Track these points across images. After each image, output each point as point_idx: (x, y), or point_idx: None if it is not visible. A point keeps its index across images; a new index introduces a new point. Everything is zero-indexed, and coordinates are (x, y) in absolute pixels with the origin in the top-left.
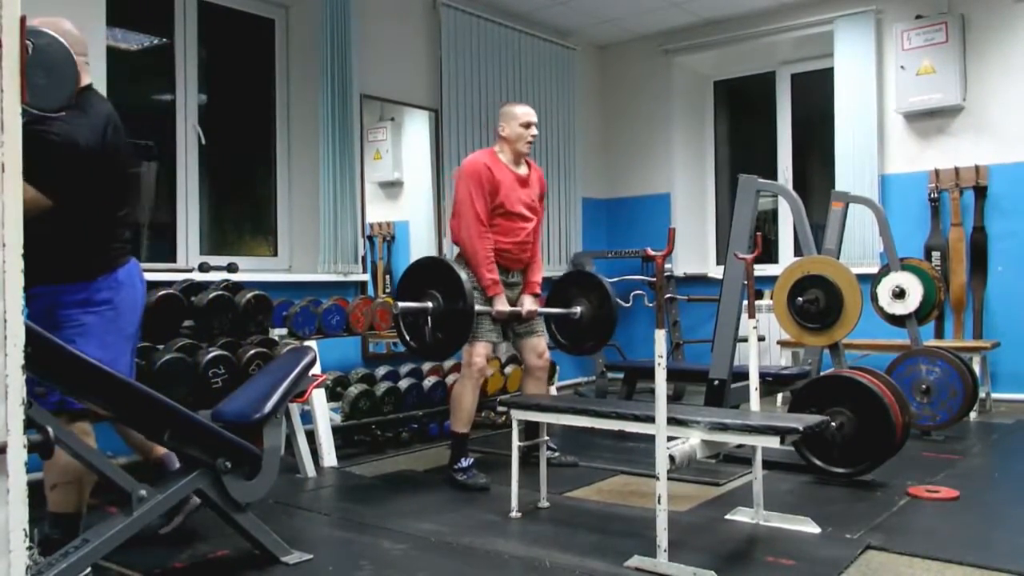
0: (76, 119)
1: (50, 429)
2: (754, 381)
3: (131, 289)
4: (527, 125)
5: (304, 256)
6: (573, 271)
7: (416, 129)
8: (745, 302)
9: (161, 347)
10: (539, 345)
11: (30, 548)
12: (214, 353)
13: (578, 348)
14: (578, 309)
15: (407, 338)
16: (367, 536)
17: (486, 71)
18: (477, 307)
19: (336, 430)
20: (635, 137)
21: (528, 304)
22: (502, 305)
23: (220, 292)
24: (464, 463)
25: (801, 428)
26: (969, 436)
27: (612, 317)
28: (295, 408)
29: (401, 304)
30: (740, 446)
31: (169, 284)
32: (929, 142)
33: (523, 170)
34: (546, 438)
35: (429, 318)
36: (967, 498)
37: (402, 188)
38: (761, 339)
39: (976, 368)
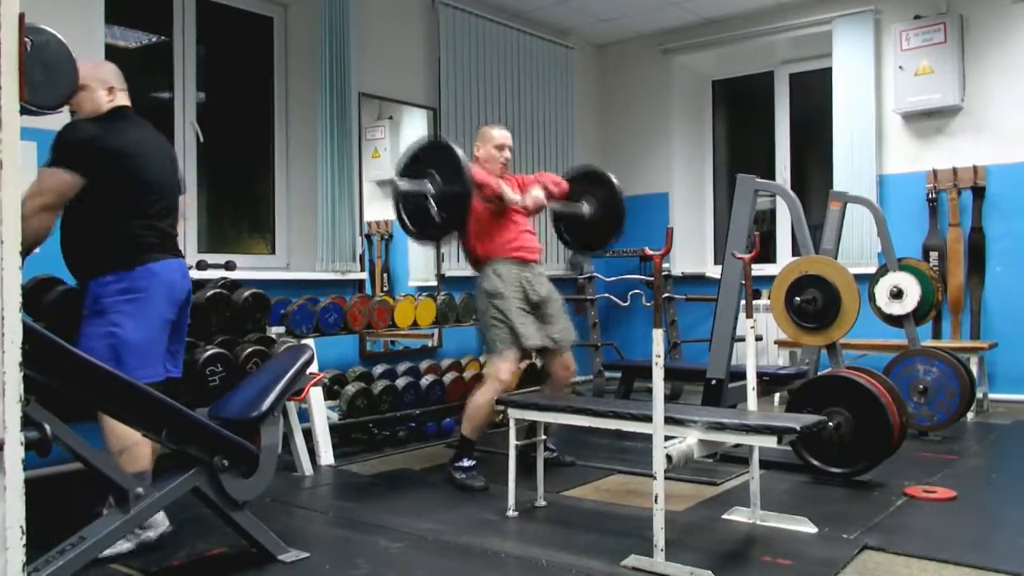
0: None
1: (47, 426)
2: (751, 381)
3: (166, 281)
4: (500, 148)
5: (302, 254)
6: (581, 169)
7: (414, 128)
8: (743, 302)
9: None
10: (568, 359)
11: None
12: (211, 351)
13: (588, 245)
14: (585, 205)
15: (405, 219)
16: (364, 534)
17: (485, 70)
18: (499, 313)
19: (333, 428)
20: (633, 136)
21: (534, 192)
22: (510, 192)
23: (218, 290)
24: (467, 463)
25: (798, 428)
26: (966, 436)
27: (620, 212)
28: (292, 406)
29: (400, 182)
30: (737, 446)
31: None
32: (927, 142)
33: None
34: (544, 437)
35: (431, 198)
36: (964, 498)
37: None
38: (759, 339)
39: (974, 368)
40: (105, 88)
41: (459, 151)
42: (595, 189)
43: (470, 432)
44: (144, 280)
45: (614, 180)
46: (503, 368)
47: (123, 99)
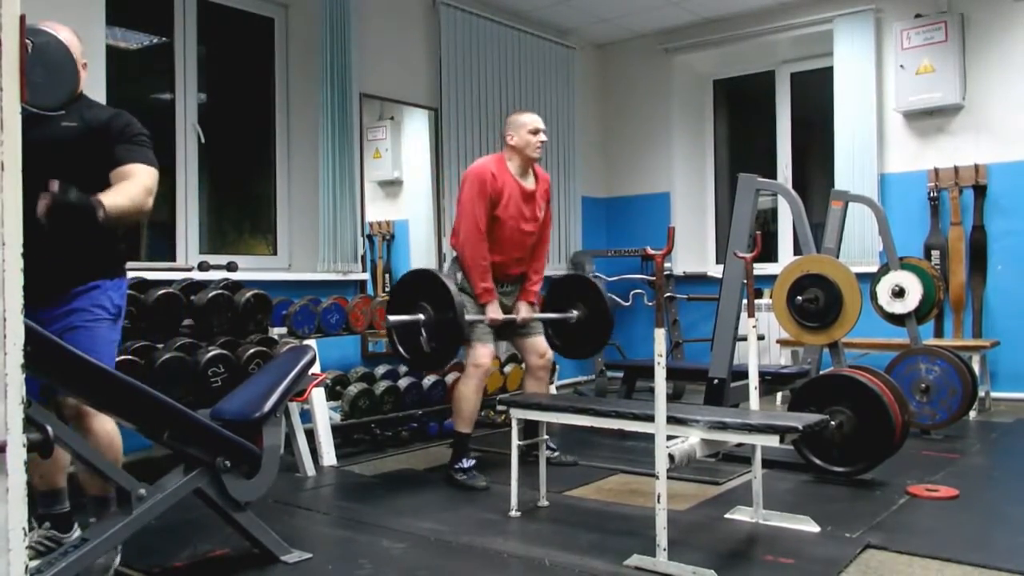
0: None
1: (49, 428)
2: (753, 380)
3: None
4: (535, 132)
5: (303, 255)
6: (568, 275)
7: (416, 128)
8: (745, 301)
9: (161, 346)
10: (540, 345)
11: None
12: (214, 352)
13: (574, 352)
14: (574, 313)
15: (401, 350)
16: (366, 535)
17: (485, 70)
18: (471, 316)
19: (335, 429)
20: (635, 136)
21: (523, 311)
22: (495, 311)
23: (220, 291)
24: (465, 463)
25: (800, 427)
26: (968, 435)
27: (608, 321)
28: (294, 407)
29: (392, 318)
30: (740, 445)
31: (169, 283)
32: (928, 141)
33: (530, 182)
34: (546, 437)
35: (423, 329)
36: (966, 497)
37: (402, 187)
38: (760, 338)
39: (975, 367)
40: (82, 63)
41: (448, 282)
42: (583, 297)
43: (462, 425)
44: (125, 289)
45: (601, 288)
46: (481, 353)
47: None
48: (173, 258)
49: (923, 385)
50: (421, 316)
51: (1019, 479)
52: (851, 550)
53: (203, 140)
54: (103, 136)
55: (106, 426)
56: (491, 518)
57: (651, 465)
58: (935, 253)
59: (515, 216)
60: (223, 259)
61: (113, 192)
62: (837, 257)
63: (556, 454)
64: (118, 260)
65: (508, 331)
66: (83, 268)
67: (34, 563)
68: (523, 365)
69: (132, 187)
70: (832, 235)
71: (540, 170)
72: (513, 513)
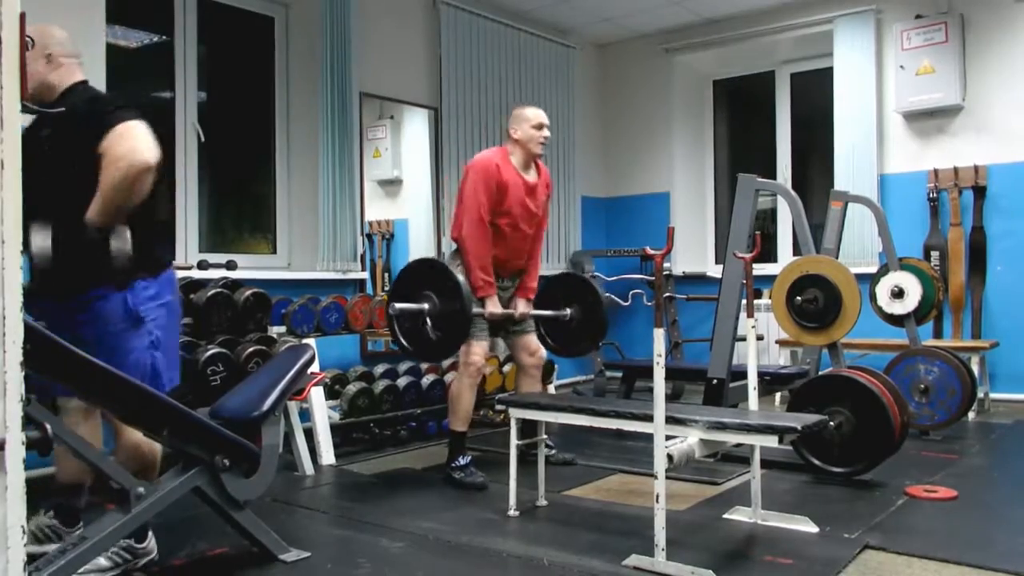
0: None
1: (48, 426)
2: (753, 380)
3: (176, 289)
4: (539, 127)
5: (303, 254)
6: (563, 274)
7: (416, 127)
8: (744, 301)
9: None
10: (531, 343)
11: None
12: (213, 351)
13: (568, 350)
14: (568, 311)
15: (402, 340)
16: (365, 534)
17: (486, 69)
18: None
19: (334, 428)
20: (635, 136)
21: (521, 306)
22: (494, 306)
23: (219, 290)
24: (462, 461)
25: (799, 427)
26: (967, 436)
27: (602, 320)
28: (293, 406)
29: (397, 305)
30: (738, 445)
31: None
32: (928, 142)
33: (532, 176)
34: (544, 436)
35: (428, 319)
36: (965, 498)
37: (401, 186)
38: (760, 338)
39: (975, 368)
40: (44, 56)
41: (456, 271)
42: (577, 295)
43: (456, 423)
44: (169, 285)
45: (596, 287)
46: (473, 351)
47: (77, 72)
48: (172, 257)
49: (922, 386)
50: (426, 305)
51: (1018, 480)
52: (850, 551)
53: (203, 139)
54: (77, 121)
55: (132, 438)
56: (490, 517)
57: (650, 465)
58: (935, 254)
59: (518, 209)
60: (222, 258)
61: (94, 200)
62: (836, 258)
63: (555, 453)
64: (127, 267)
65: (502, 328)
66: (82, 275)
67: (30, 549)
68: (516, 364)
69: (110, 168)
70: (832, 236)
71: (542, 165)
72: (512, 513)
